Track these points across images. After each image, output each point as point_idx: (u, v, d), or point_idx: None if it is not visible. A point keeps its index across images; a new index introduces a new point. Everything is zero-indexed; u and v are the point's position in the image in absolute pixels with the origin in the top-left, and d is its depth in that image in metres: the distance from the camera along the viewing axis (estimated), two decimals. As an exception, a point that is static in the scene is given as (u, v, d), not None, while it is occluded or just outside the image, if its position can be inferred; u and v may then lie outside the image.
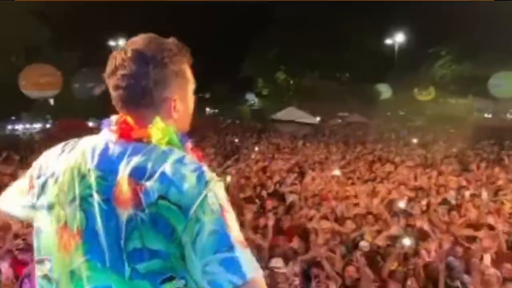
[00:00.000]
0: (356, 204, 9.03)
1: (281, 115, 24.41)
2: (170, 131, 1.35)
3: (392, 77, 34.33)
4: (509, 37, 27.22)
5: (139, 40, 1.37)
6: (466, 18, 28.63)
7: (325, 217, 8.01)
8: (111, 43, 36.40)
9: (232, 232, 1.21)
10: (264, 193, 9.86)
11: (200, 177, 1.24)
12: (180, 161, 1.26)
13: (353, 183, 10.91)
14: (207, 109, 37.20)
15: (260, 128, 24.85)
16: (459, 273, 6.11)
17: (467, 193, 9.62)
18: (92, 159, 1.32)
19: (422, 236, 7.10)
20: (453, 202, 9.19)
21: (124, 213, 1.23)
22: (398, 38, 37.58)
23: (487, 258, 6.55)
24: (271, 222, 7.15)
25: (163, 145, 1.32)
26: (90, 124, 28.57)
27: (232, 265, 1.17)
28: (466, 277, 6.07)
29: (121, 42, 36.52)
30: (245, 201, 8.51)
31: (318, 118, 27.77)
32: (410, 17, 32.81)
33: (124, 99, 1.36)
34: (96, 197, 1.27)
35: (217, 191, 1.24)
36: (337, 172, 11.72)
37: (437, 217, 8.09)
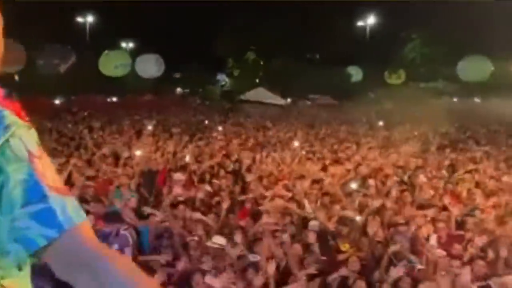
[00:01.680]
0: (314, 183, 9.06)
1: (249, 95, 24.27)
2: None
3: (363, 59, 34.37)
4: (478, 21, 27.52)
5: None
6: (436, 1, 28.79)
7: (279, 197, 8.05)
8: (79, 19, 35.49)
9: (45, 179, 1.04)
10: (222, 172, 9.81)
11: None
12: None
13: (314, 164, 10.93)
14: (178, 89, 36.75)
15: (228, 108, 24.74)
16: (405, 251, 6.21)
17: (422, 175, 9.78)
18: None
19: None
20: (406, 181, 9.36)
21: None
22: (370, 20, 37.62)
23: (433, 238, 6.66)
24: (225, 204, 7.08)
25: None
26: (57, 101, 27.91)
27: (46, 216, 1.01)
28: (413, 257, 6.17)
29: (90, 18, 35.93)
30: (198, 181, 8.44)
31: (287, 100, 27.67)
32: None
33: None
34: None
35: (23, 137, 1.07)
36: (298, 152, 11.79)
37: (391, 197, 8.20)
